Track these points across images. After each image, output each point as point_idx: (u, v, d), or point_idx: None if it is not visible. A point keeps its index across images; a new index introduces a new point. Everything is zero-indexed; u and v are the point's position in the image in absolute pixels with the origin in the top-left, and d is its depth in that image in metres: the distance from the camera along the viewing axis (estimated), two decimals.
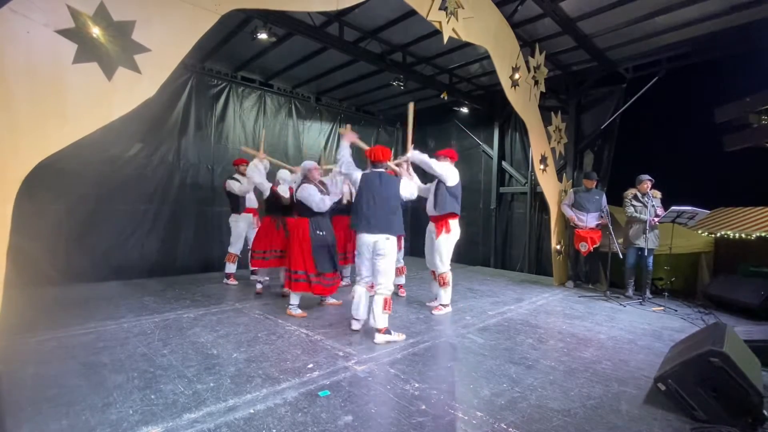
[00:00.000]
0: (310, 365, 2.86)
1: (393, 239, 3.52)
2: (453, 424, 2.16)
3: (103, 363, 2.79)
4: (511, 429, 2.13)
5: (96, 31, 2.40)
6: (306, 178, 4.18)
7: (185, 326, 3.64)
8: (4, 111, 2.15)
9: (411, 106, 4.02)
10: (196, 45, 2.86)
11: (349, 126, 4.32)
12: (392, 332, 3.46)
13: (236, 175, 5.51)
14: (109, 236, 5.57)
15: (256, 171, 4.98)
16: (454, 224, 4.34)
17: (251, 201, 5.60)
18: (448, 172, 4.23)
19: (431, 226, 4.47)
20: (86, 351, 2.99)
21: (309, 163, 4.29)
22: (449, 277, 4.35)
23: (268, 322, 3.86)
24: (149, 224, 5.96)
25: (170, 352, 3.02)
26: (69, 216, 5.21)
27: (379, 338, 3.40)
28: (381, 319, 3.39)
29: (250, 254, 5.19)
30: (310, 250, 4.00)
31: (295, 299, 4.12)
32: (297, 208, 4.20)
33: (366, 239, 3.49)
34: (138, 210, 5.85)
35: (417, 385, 2.61)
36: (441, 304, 4.40)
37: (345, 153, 3.88)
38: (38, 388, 2.40)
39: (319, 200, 4.00)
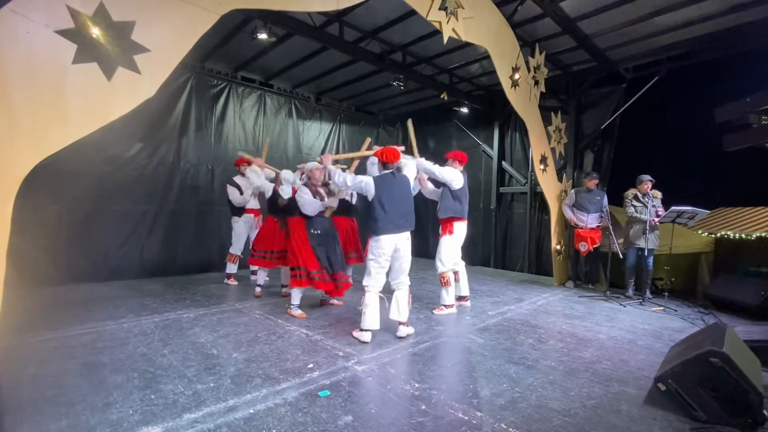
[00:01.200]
0: (310, 365, 2.86)
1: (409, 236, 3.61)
2: (453, 424, 2.16)
3: (103, 363, 2.79)
4: (511, 429, 2.13)
5: (96, 31, 2.41)
6: (309, 180, 4.18)
7: (185, 326, 3.65)
8: (4, 111, 2.15)
9: (410, 123, 4.22)
10: (196, 45, 2.86)
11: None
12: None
13: (236, 178, 5.50)
14: (109, 236, 5.56)
15: (255, 174, 5.04)
16: (459, 227, 4.38)
17: (252, 202, 5.61)
18: (452, 176, 4.24)
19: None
20: (86, 351, 2.99)
21: (311, 164, 4.28)
22: (450, 276, 4.35)
23: (268, 322, 3.86)
24: (149, 224, 5.95)
25: (170, 352, 3.02)
26: (69, 216, 5.21)
27: (404, 330, 3.57)
28: (406, 313, 3.57)
29: (250, 252, 5.20)
30: (310, 248, 4.00)
31: (296, 299, 4.10)
32: (296, 208, 4.20)
33: (391, 241, 3.44)
34: (138, 210, 5.85)
35: (417, 385, 2.61)
36: (443, 305, 4.40)
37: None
38: (38, 388, 2.40)
39: (306, 204, 3.97)
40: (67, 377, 2.56)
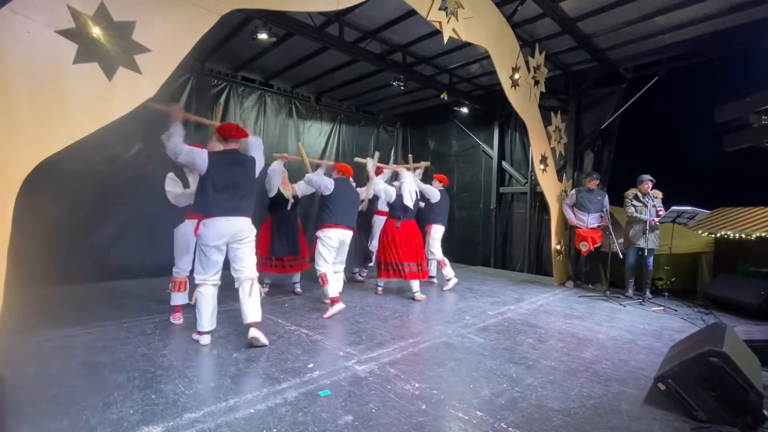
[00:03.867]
0: (311, 365, 2.86)
1: None
2: (453, 424, 2.16)
3: (103, 363, 2.79)
4: (511, 429, 2.13)
5: (96, 31, 2.41)
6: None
7: (186, 326, 3.64)
8: (5, 111, 2.15)
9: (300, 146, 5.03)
10: (196, 45, 2.86)
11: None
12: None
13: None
14: (109, 236, 5.56)
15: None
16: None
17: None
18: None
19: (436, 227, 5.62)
20: (86, 351, 2.99)
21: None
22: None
23: (268, 322, 3.86)
24: (149, 224, 5.92)
25: (171, 352, 3.02)
26: (69, 216, 5.21)
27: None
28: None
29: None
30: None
31: (417, 286, 4.93)
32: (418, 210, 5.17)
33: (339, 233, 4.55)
34: (138, 210, 5.83)
35: (417, 384, 2.61)
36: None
37: (177, 137, 3.47)
38: (39, 388, 2.40)
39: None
40: (68, 377, 2.56)
